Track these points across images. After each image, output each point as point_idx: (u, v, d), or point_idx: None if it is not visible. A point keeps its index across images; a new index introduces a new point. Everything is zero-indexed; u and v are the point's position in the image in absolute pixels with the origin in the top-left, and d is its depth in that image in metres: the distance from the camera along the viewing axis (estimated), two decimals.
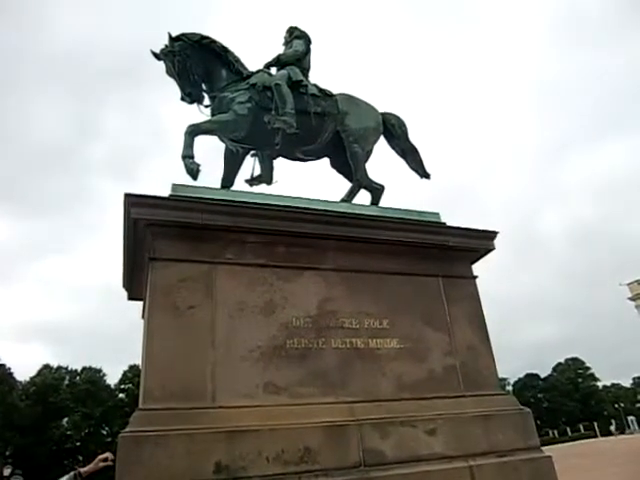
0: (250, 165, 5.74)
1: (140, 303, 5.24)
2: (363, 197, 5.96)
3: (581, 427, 68.36)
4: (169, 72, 5.35)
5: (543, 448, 4.67)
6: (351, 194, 5.79)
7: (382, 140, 6.23)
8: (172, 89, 5.40)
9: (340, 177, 6.08)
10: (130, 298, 5.40)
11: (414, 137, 6.34)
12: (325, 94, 5.83)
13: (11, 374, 50.14)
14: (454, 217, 5.39)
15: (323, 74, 6.37)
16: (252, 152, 5.66)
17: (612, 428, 63.88)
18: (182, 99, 5.36)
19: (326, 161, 6.11)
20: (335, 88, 6.02)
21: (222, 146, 5.48)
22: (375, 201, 5.98)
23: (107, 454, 3.34)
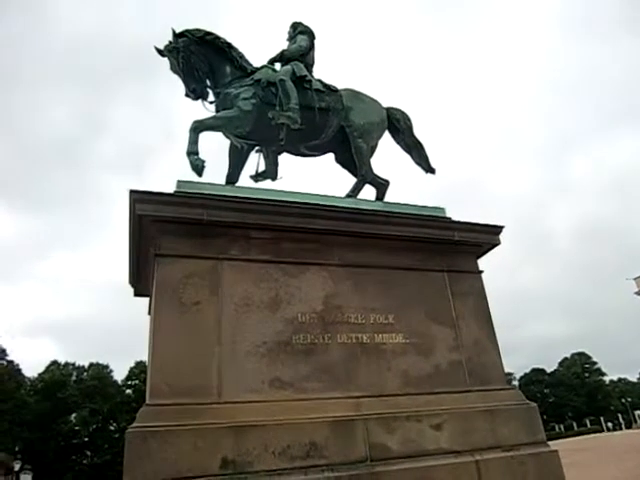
0: (255, 161, 5.75)
1: (146, 299, 5.26)
2: (368, 192, 5.97)
3: (587, 422, 68.20)
4: (173, 69, 5.35)
5: (549, 443, 4.67)
6: (356, 189, 5.78)
7: (387, 135, 6.21)
8: (181, 84, 5.41)
9: (345, 172, 6.07)
10: (136, 294, 5.42)
11: (420, 132, 6.33)
12: (329, 89, 5.81)
13: (19, 370, 50.51)
14: (461, 212, 5.38)
15: (328, 69, 6.36)
16: (257, 148, 5.66)
17: (609, 425, 63.67)
18: (186, 95, 5.37)
19: (331, 156, 6.10)
20: (340, 83, 6.01)
21: (227, 142, 5.48)
22: (380, 196, 5.97)
23: None
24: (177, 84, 5.40)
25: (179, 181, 4.45)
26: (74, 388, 52.05)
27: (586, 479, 9.09)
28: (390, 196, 5.94)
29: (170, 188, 4.36)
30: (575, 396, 76.15)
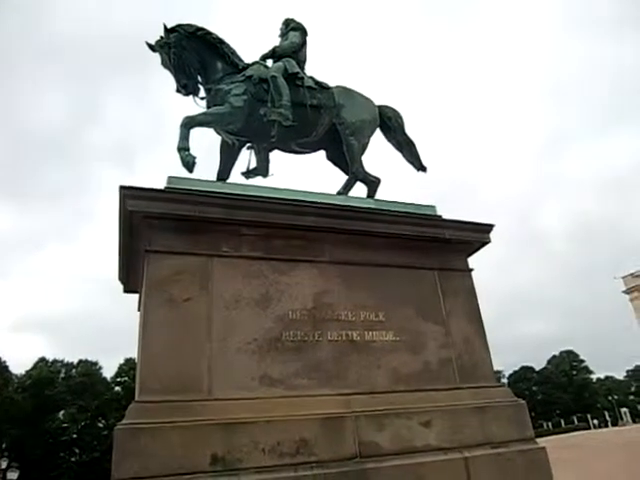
0: (246, 157, 5.73)
1: (136, 295, 5.23)
2: (359, 190, 5.97)
3: (575, 419, 68.90)
4: (164, 64, 5.32)
5: (537, 440, 4.70)
6: (347, 187, 5.79)
7: (379, 133, 6.22)
8: (172, 79, 5.37)
9: (336, 170, 6.07)
10: (126, 291, 5.39)
11: (415, 131, 6.33)
12: (321, 86, 5.81)
13: (6, 367, 50.03)
14: (455, 211, 5.40)
15: (321, 66, 6.35)
16: (248, 144, 5.64)
17: (595, 422, 64.45)
18: (177, 91, 5.35)
19: (322, 154, 6.10)
20: (336, 81, 6.01)
21: (218, 138, 5.46)
22: (371, 194, 5.98)
23: None
24: (169, 79, 5.37)
25: (170, 177, 4.43)
26: (62, 385, 51.69)
27: (575, 475, 9.17)
28: (383, 194, 5.95)
29: (161, 183, 4.35)
30: (563, 394, 76.87)
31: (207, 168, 5.26)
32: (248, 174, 5.75)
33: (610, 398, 75.59)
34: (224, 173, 5.44)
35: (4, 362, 49.89)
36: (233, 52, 5.54)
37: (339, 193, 5.61)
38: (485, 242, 5.42)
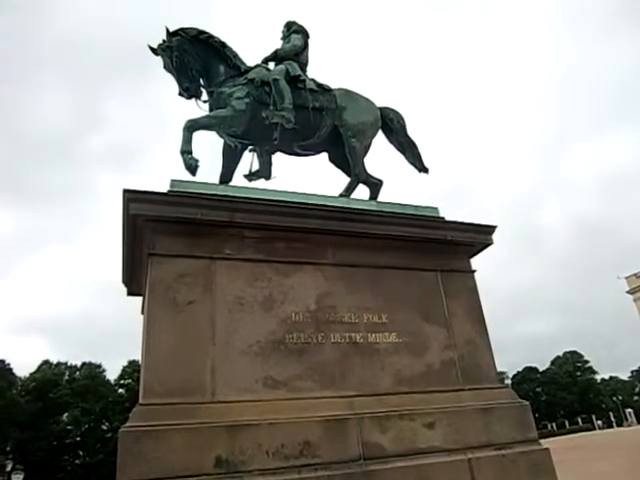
0: (249, 160, 5.75)
1: (140, 298, 5.25)
2: (362, 192, 5.97)
3: (579, 420, 68.65)
4: (167, 67, 5.33)
5: (541, 441, 4.70)
6: (349, 189, 5.79)
7: (381, 135, 6.23)
8: (174, 82, 5.38)
9: (338, 172, 6.07)
10: (130, 293, 5.40)
11: (416, 132, 6.34)
12: (323, 89, 5.82)
13: (10, 370, 50.18)
14: (456, 212, 5.40)
15: (322, 69, 6.36)
16: (250, 147, 5.66)
17: (599, 422, 64.30)
18: (180, 94, 5.36)
19: (324, 156, 6.11)
20: (336, 83, 6.02)
21: (221, 141, 5.47)
22: (373, 196, 5.98)
23: None
24: (171, 82, 5.39)
25: (173, 180, 4.43)
26: (66, 388, 51.80)
27: (577, 476, 9.15)
28: (386, 196, 5.95)
29: (163, 186, 4.36)
30: (567, 394, 76.59)
31: (209, 171, 5.28)
32: (251, 177, 5.77)
33: (615, 399, 75.48)
34: (227, 176, 5.46)
35: (8, 365, 50.08)
36: (235, 55, 5.56)
37: (341, 195, 5.62)
38: (488, 243, 5.42)
